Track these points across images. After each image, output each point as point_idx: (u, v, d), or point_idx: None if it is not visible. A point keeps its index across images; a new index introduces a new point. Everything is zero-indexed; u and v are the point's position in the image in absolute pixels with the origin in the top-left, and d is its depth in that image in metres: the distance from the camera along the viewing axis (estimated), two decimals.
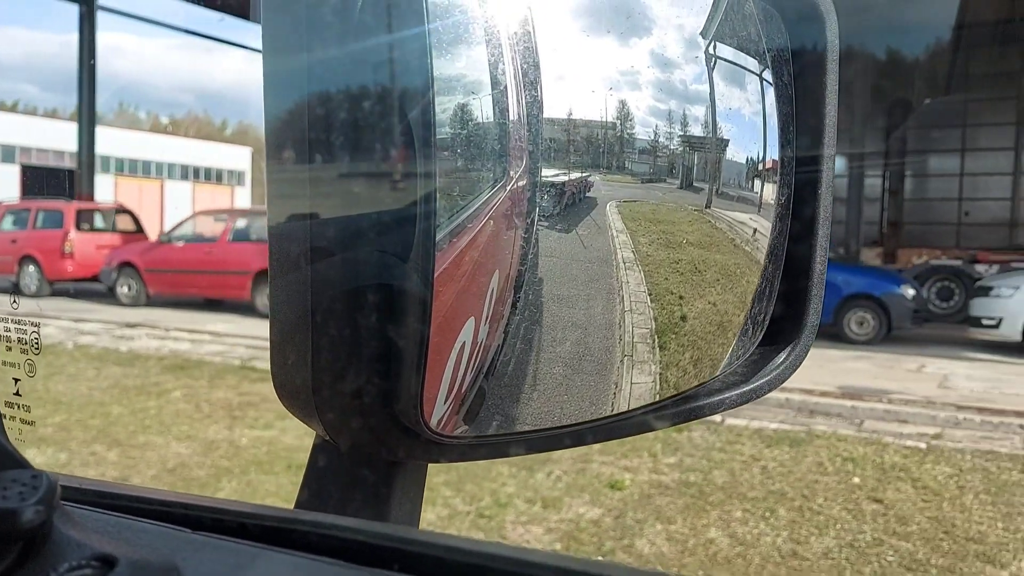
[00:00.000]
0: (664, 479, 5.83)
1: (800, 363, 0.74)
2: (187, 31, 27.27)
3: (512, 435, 0.55)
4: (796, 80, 0.70)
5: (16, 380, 0.62)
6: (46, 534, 0.40)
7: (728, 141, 0.65)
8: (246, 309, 14.80)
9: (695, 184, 0.63)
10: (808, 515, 5.15)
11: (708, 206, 0.66)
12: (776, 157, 0.68)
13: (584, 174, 0.54)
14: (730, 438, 6.79)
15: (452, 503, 5.20)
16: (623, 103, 0.55)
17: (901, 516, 5.13)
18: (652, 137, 0.58)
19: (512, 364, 0.53)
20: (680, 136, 0.60)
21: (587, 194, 0.55)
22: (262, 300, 15.62)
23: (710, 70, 0.63)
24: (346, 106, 0.46)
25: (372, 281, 0.46)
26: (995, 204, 21.05)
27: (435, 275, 0.46)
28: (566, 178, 0.53)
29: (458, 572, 0.41)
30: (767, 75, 0.67)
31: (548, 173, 0.52)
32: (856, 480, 5.84)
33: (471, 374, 0.52)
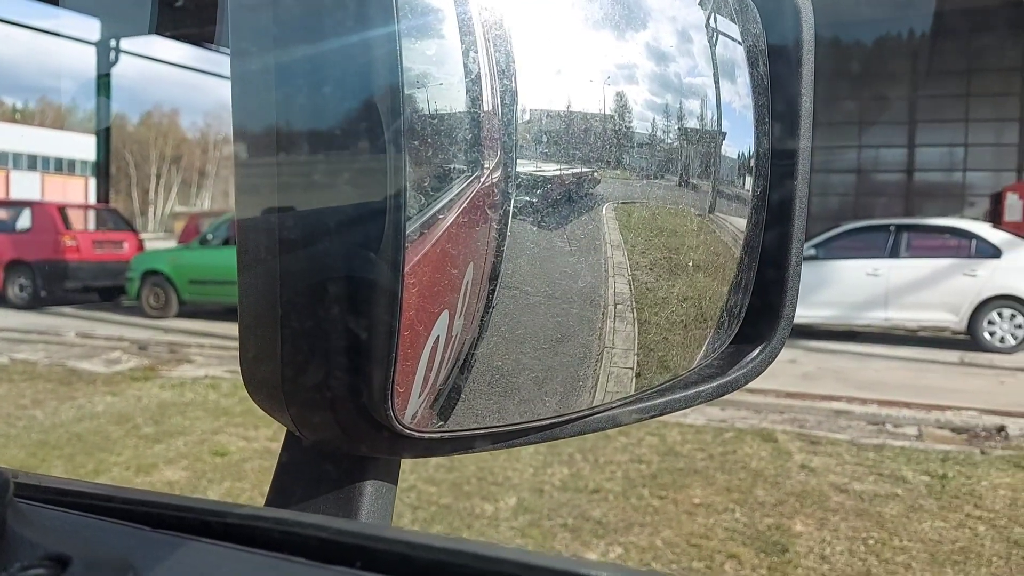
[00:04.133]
0: (274, 446, 6.21)
1: (776, 355, 0.74)
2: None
3: (485, 429, 0.55)
4: (771, 71, 0.70)
5: None
6: None
7: (726, 134, 0.65)
8: None
9: (691, 181, 0.63)
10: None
11: (712, 210, 0.66)
12: (752, 149, 0.68)
13: (576, 169, 0.54)
14: None
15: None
16: (620, 95, 0.55)
17: None
18: (650, 131, 0.58)
19: (488, 358, 0.53)
20: (678, 129, 0.60)
21: (580, 191, 0.54)
22: (13, 291, 15.99)
23: (714, 60, 0.63)
24: (313, 96, 0.45)
25: (341, 274, 0.46)
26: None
27: (406, 268, 0.45)
28: (556, 172, 0.53)
29: (423, 569, 0.40)
30: (744, 67, 0.67)
31: (532, 167, 0.51)
32: None
33: (446, 368, 0.51)
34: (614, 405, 0.62)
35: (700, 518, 5.05)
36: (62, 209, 16.97)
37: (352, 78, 0.45)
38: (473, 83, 0.48)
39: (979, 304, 11.95)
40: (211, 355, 10.78)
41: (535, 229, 0.52)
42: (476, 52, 0.48)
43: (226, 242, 14.51)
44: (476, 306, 0.51)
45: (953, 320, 12.15)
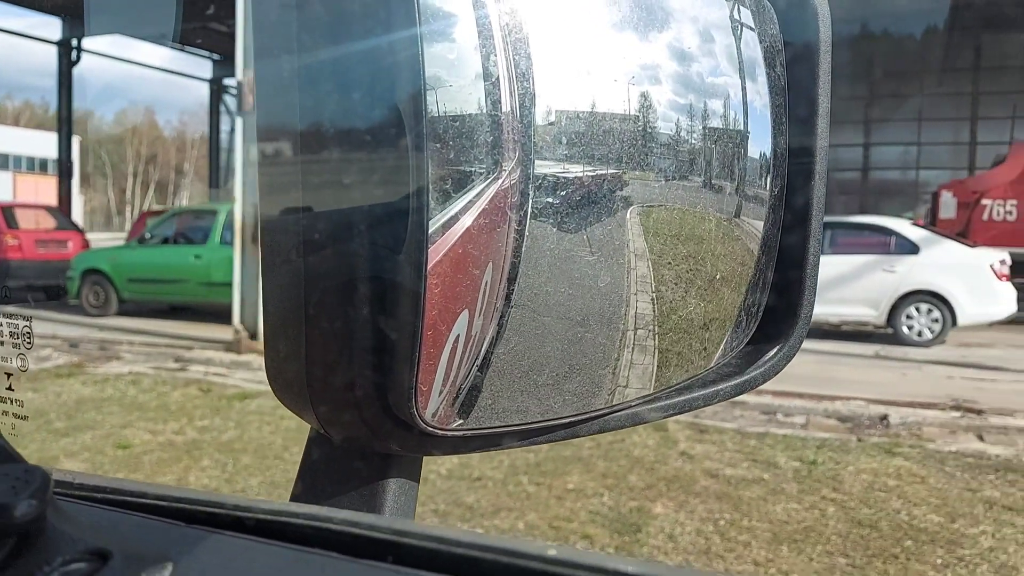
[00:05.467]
0: (179, 439, 6.59)
1: (794, 354, 0.75)
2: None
3: (506, 427, 0.56)
4: (789, 71, 0.70)
5: (8, 375, 0.62)
6: (40, 529, 0.40)
7: (748, 135, 0.65)
8: None
9: (712, 182, 0.64)
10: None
11: (738, 215, 0.67)
12: (769, 148, 0.68)
13: (595, 170, 0.54)
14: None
15: None
16: (639, 96, 0.56)
17: None
18: (669, 132, 0.58)
19: (507, 357, 0.54)
20: (698, 130, 0.61)
21: (599, 192, 0.55)
22: None
23: (740, 61, 0.64)
24: (336, 98, 0.46)
25: (364, 274, 0.46)
26: None
27: (428, 267, 0.46)
28: (575, 173, 0.53)
29: (452, 564, 0.41)
30: (761, 65, 0.67)
31: (551, 168, 0.52)
32: None
33: (466, 367, 0.52)
34: (634, 403, 0.63)
35: (568, 502, 5.26)
36: (5, 209, 17.00)
37: (374, 81, 0.46)
38: (493, 85, 0.48)
39: (898, 299, 12.14)
40: (140, 352, 10.88)
41: (554, 229, 0.53)
42: (496, 55, 0.49)
43: (165, 241, 14.63)
44: (495, 305, 0.52)
45: (873, 315, 12.38)
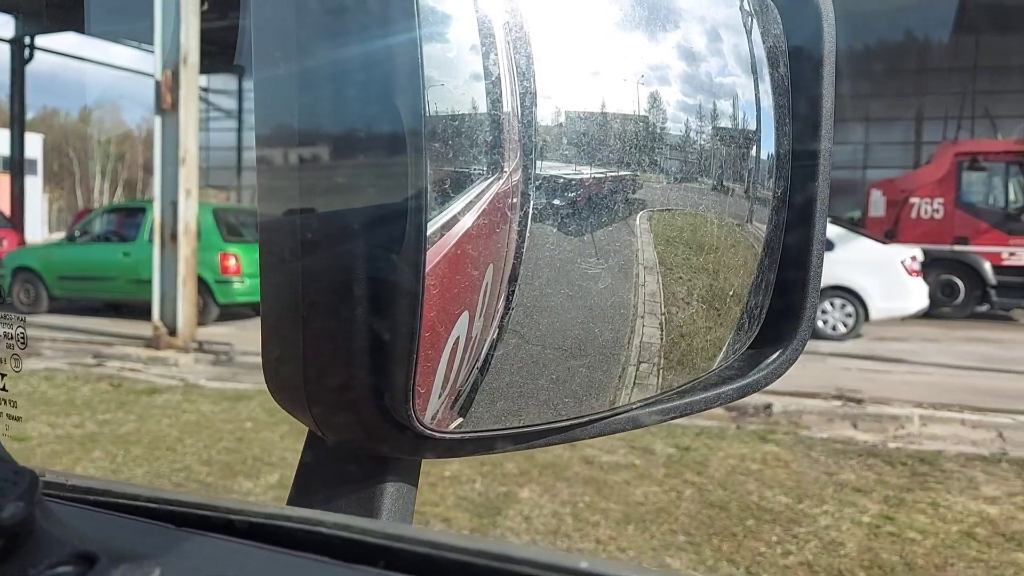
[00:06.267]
0: (77, 432, 6.77)
1: (797, 356, 0.75)
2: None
3: (505, 430, 0.55)
4: (792, 71, 0.70)
5: (2, 376, 0.61)
6: (27, 531, 0.40)
7: (751, 135, 0.65)
8: None
9: (713, 183, 0.63)
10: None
11: (740, 216, 0.66)
12: (773, 149, 0.68)
13: (597, 171, 0.54)
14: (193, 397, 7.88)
15: None
16: (641, 96, 0.55)
17: None
18: (672, 133, 0.58)
19: (508, 359, 0.53)
20: (700, 131, 0.60)
21: (600, 193, 0.54)
22: None
23: (752, 60, 0.64)
24: (335, 99, 0.46)
25: (363, 275, 0.46)
26: None
27: (427, 269, 0.46)
28: (576, 174, 0.53)
29: (447, 569, 0.40)
30: (765, 65, 0.67)
31: (552, 169, 0.52)
32: None
33: (467, 369, 0.52)
34: (635, 406, 0.62)
35: (441, 488, 5.42)
36: None
37: (373, 81, 0.45)
38: (493, 85, 0.48)
39: None
40: (61, 348, 10.92)
41: (555, 231, 0.52)
42: (496, 54, 0.48)
43: (95, 238, 14.66)
44: (496, 307, 0.52)
45: None
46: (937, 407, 7.52)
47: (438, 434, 0.51)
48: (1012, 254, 16.24)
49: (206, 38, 10.70)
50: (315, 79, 0.46)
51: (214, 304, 13.38)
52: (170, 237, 10.70)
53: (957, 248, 16.48)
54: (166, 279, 10.79)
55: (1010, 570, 4.31)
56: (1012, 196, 16.64)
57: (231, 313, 13.81)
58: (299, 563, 0.43)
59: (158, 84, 10.41)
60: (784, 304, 0.73)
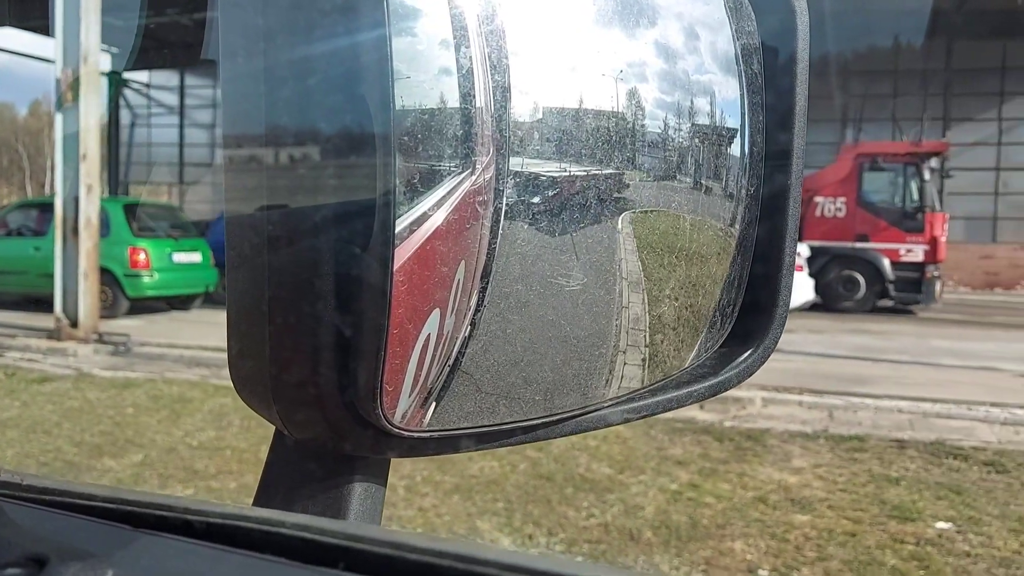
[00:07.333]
0: None
1: (769, 354, 0.75)
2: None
3: (474, 429, 0.55)
4: (765, 69, 0.70)
5: None
6: None
7: (724, 133, 0.65)
8: None
9: (689, 181, 0.63)
10: None
11: (724, 218, 0.66)
12: (747, 147, 0.68)
13: (570, 167, 0.53)
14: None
15: None
16: (615, 91, 0.55)
17: None
18: (661, 129, 0.58)
19: (479, 357, 0.53)
20: (689, 127, 0.60)
21: (573, 189, 0.54)
22: None
23: (740, 57, 0.64)
24: (303, 94, 0.45)
25: (329, 271, 0.45)
26: None
27: (396, 265, 0.45)
28: (549, 170, 0.52)
29: (408, 570, 0.40)
30: (738, 63, 0.67)
31: (524, 164, 0.51)
32: None
33: (438, 367, 0.51)
34: (605, 405, 0.62)
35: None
36: None
37: (342, 75, 0.44)
38: (465, 79, 0.47)
39: None
40: None
41: (527, 227, 0.52)
42: (468, 47, 0.47)
43: (9, 233, 14.83)
44: (467, 304, 0.51)
45: None
46: (780, 390, 7.90)
47: (405, 432, 0.51)
48: (909, 251, 17.00)
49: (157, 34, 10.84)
50: (282, 73, 0.45)
51: (124, 297, 13.70)
52: (71, 231, 10.90)
53: (858, 245, 17.20)
54: (68, 272, 10.99)
55: (781, 528, 4.81)
56: (909, 196, 17.40)
57: (143, 307, 14.08)
58: (256, 564, 0.42)
59: (58, 82, 10.60)
60: (756, 301, 0.74)
